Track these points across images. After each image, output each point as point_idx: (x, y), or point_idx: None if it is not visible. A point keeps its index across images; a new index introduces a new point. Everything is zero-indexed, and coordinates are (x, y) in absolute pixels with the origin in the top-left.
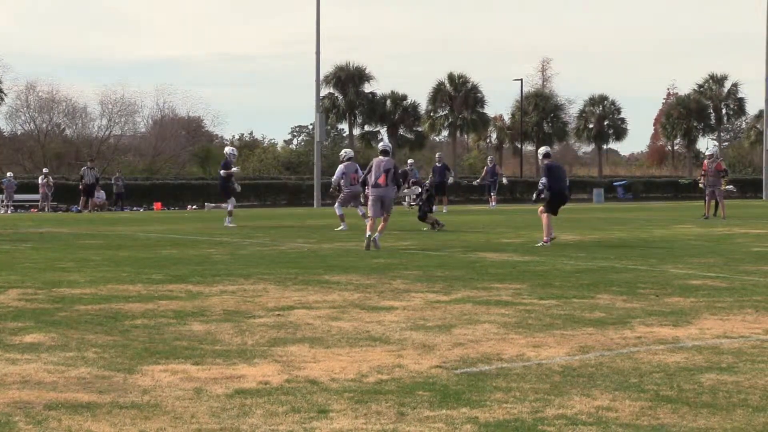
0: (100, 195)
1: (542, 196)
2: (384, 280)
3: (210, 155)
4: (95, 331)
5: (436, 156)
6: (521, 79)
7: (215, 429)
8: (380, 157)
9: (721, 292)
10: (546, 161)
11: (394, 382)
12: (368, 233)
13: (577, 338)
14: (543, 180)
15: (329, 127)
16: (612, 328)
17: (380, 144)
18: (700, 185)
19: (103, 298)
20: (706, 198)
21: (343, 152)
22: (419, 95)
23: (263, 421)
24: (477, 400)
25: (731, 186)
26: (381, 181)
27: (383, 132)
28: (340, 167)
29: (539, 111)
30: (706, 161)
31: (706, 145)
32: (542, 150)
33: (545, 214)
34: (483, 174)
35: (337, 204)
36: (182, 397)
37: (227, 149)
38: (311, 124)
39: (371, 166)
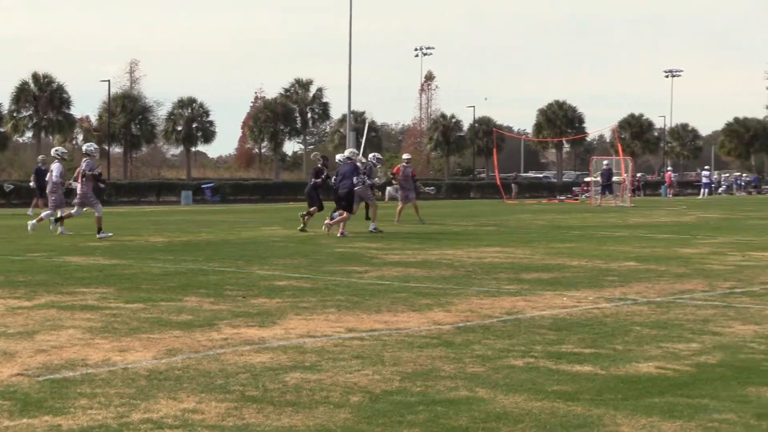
0: None
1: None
2: None
3: None
4: None
5: (39, 159)
6: (108, 80)
7: None
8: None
9: (306, 292)
10: None
11: None
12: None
13: (164, 341)
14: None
15: None
16: (199, 330)
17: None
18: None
19: None
20: (400, 202)
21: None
22: (1, 95)
23: None
24: (60, 407)
25: (431, 188)
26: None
27: None
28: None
29: (127, 113)
30: (399, 166)
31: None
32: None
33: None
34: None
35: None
36: None
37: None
38: None
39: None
